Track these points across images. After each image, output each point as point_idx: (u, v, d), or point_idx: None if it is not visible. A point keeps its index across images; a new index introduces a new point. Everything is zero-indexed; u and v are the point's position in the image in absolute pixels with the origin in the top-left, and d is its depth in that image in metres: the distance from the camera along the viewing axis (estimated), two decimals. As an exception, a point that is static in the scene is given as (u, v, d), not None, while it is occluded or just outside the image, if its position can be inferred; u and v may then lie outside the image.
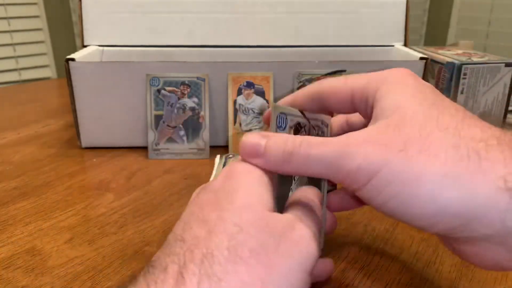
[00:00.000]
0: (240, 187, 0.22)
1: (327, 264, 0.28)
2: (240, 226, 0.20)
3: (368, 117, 0.24)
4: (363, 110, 0.25)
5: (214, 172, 0.46)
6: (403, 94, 0.22)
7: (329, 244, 0.34)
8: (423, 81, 0.24)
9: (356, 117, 0.29)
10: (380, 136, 0.21)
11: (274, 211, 0.22)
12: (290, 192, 0.28)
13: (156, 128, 0.51)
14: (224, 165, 0.45)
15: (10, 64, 1.93)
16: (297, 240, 0.20)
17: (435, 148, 0.20)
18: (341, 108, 0.26)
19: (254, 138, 0.23)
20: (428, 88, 0.23)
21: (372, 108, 0.24)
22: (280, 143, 0.22)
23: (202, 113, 0.51)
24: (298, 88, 0.51)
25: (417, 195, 0.19)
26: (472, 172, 0.19)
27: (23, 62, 1.96)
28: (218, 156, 0.49)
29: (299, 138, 0.22)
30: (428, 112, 0.21)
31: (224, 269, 0.18)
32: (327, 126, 0.26)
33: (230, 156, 0.50)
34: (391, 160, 0.20)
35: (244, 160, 0.23)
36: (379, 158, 0.20)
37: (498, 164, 0.19)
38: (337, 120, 0.30)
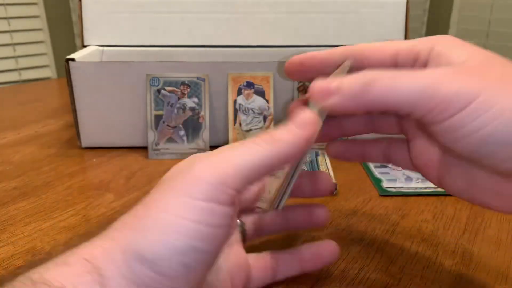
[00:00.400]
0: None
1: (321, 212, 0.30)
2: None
3: (399, 130, 0.26)
4: (409, 67, 0.24)
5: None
6: (465, 49, 0.22)
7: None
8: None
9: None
10: (470, 70, 0.21)
11: None
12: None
13: (156, 128, 0.51)
14: None
15: (10, 64, 1.93)
16: (189, 180, 0.20)
17: None
18: (379, 65, 0.24)
19: (323, 81, 0.22)
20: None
21: (425, 64, 0.23)
22: (358, 76, 0.21)
23: (202, 113, 0.51)
24: (298, 88, 0.51)
25: None
26: None
27: (23, 62, 1.96)
28: None
29: (379, 70, 0.21)
30: (500, 59, 0.21)
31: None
32: None
33: None
34: (491, 86, 0.20)
35: (315, 102, 0.22)
36: (478, 84, 0.20)
37: None
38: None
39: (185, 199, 0.20)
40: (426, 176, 0.26)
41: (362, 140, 0.30)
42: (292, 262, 0.29)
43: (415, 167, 0.27)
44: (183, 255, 0.19)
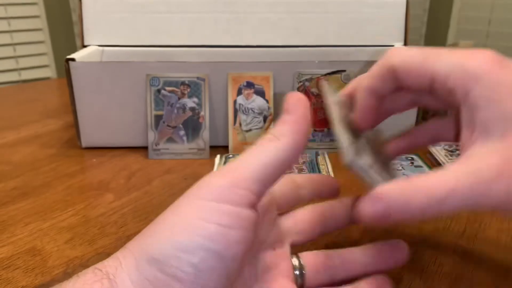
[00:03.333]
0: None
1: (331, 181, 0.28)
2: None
3: (447, 106, 0.23)
4: (444, 99, 0.22)
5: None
6: (508, 100, 0.19)
7: (329, 245, 0.34)
8: None
9: None
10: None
11: None
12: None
13: (156, 128, 0.51)
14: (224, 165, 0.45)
15: (10, 64, 1.93)
16: (201, 185, 0.21)
17: None
18: (417, 89, 0.23)
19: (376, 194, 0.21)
20: None
21: (459, 104, 0.21)
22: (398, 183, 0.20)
23: (202, 113, 0.51)
24: (298, 88, 0.51)
25: None
26: None
27: (23, 62, 1.96)
28: (218, 156, 0.49)
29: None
30: None
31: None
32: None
33: (230, 156, 0.50)
34: None
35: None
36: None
37: None
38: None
39: (195, 201, 0.20)
40: None
41: (413, 130, 0.29)
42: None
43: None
44: (191, 254, 0.19)
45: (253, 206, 0.20)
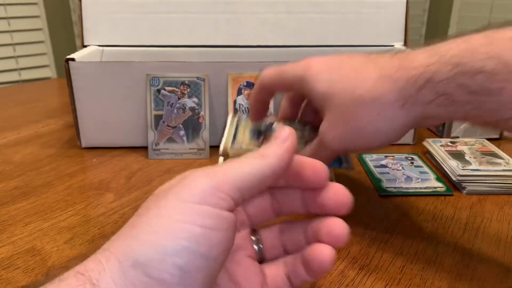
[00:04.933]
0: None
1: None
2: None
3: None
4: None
5: (225, 134, 0.42)
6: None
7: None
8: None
9: None
10: None
11: None
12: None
13: (156, 128, 0.51)
14: (236, 128, 0.43)
15: (10, 64, 1.93)
16: (184, 185, 0.21)
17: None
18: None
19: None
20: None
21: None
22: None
23: (202, 113, 0.51)
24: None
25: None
26: None
27: (23, 62, 1.96)
28: (221, 159, 0.47)
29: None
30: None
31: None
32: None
33: (243, 116, 0.46)
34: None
35: None
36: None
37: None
38: None
39: (176, 202, 0.20)
40: None
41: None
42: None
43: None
44: (175, 256, 0.19)
45: (231, 211, 0.21)
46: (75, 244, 0.35)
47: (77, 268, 0.20)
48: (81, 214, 0.39)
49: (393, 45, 0.62)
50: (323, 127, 0.32)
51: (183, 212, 0.20)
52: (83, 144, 0.53)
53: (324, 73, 0.32)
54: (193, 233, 0.19)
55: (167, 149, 0.51)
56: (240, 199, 0.21)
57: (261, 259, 0.27)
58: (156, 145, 0.51)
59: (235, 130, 0.41)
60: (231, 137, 0.40)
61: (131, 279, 0.19)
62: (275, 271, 0.26)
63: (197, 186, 0.20)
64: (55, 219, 0.38)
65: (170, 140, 0.51)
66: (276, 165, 0.23)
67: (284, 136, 0.24)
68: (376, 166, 0.48)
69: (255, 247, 0.27)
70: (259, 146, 0.29)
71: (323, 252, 0.23)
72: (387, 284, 0.30)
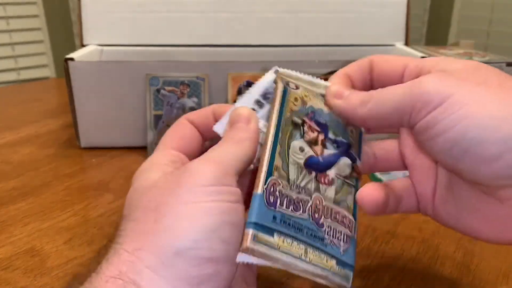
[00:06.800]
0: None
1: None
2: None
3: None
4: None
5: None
6: (464, 61, 0.23)
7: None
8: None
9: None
10: (454, 74, 0.22)
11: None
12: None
13: (156, 128, 0.51)
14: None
15: (9, 63, 1.92)
16: (187, 173, 0.22)
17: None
18: (387, 79, 0.26)
19: (340, 87, 0.26)
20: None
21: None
22: (360, 93, 0.24)
23: (202, 113, 0.51)
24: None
25: (495, 117, 0.19)
26: None
27: (22, 62, 1.96)
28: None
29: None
30: (493, 70, 0.22)
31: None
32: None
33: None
34: (467, 88, 0.20)
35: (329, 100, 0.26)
36: (455, 85, 0.21)
37: None
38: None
39: (195, 188, 0.21)
40: (424, 209, 0.26)
41: None
42: None
43: (421, 207, 0.26)
44: (219, 231, 0.20)
45: (237, 186, 0.22)
46: (74, 244, 0.35)
47: (107, 274, 0.19)
48: (80, 215, 0.39)
49: (393, 45, 0.62)
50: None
51: (206, 193, 0.21)
52: (82, 144, 0.53)
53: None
54: (224, 208, 0.21)
55: (167, 149, 0.51)
56: (236, 181, 0.23)
57: None
58: (155, 145, 0.51)
59: None
60: None
61: (179, 268, 0.19)
62: None
63: (206, 171, 0.21)
64: (54, 220, 0.38)
65: (170, 140, 0.51)
66: (253, 149, 0.24)
67: (248, 117, 0.24)
68: (376, 166, 0.47)
69: None
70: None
71: None
72: (387, 285, 0.30)
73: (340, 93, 0.25)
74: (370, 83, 0.27)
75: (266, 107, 0.26)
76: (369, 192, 0.24)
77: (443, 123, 0.20)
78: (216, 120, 0.26)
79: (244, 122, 0.24)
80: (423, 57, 0.52)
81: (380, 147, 0.27)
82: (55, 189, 0.44)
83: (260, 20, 0.61)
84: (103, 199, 0.42)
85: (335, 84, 0.26)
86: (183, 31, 0.61)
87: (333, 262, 0.23)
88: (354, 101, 0.24)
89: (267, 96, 0.26)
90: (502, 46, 1.79)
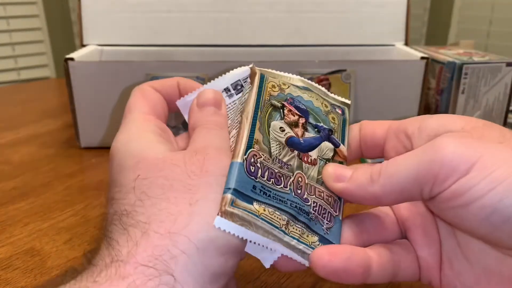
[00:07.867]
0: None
1: None
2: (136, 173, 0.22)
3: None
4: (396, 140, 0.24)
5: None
6: (460, 117, 0.22)
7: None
8: None
9: None
10: (470, 133, 0.20)
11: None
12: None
13: (156, 128, 0.51)
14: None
15: (9, 63, 1.92)
16: (211, 161, 0.21)
17: None
18: (372, 135, 0.25)
19: (340, 167, 0.23)
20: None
21: (411, 137, 0.23)
22: (366, 168, 0.22)
23: (202, 113, 0.51)
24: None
25: None
26: None
27: (22, 62, 1.96)
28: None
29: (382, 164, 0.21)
30: (495, 124, 0.21)
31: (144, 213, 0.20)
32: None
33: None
34: (492, 145, 0.19)
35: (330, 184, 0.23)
36: (475, 143, 0.19)
37: None
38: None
39: (209, 178, 0.21)
40: (433, 282, 0.24)
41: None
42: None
43: (423, 275, 0.24)
44: None
45: None
46: (74, 244, 0.35)
47: (133, 261, 0.18)
48: (80, 215, 0.39)
49: (393, 45, 0.62)
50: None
51: (222, 181, 0.20)
52: (82, 144, 0.53)
53: None
54: None
55: (167, 149, 0.51)
56: None
57: None
58: (155, 145, 0.51)
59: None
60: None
61: (208, 255, 0.19)
62: None
63: (217, 161, 0.21)
64: (54, 220, 0.38)
65: (170, 140, 0.51)
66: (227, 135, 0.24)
67: (218, 100, 0.24)
68: (376, 166, 0.47)
69: None
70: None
71: None
72: (388, 285, 0.30)
73: (341, 175, 0.22)
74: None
75: (234, 97, 0.25)
76: (320, 255, 0.21)
77: (475, 189, 0.18)
78: (181, 94, 0.26)
79: (216, 106, 0.24)
80: (422, 57, 0.52)
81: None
82: (55, 189, 0.44)
83: (260, 20, 0.61)
84: (103, 199, 0.42)
85: (329, 165, 0.23)
86: (183, 31, 0.61)
87: (316, 238, 0.22)
88: (361, 180, 0.21)
89: (237, 87, 0.25)
90: (502, 46, 1.79)
